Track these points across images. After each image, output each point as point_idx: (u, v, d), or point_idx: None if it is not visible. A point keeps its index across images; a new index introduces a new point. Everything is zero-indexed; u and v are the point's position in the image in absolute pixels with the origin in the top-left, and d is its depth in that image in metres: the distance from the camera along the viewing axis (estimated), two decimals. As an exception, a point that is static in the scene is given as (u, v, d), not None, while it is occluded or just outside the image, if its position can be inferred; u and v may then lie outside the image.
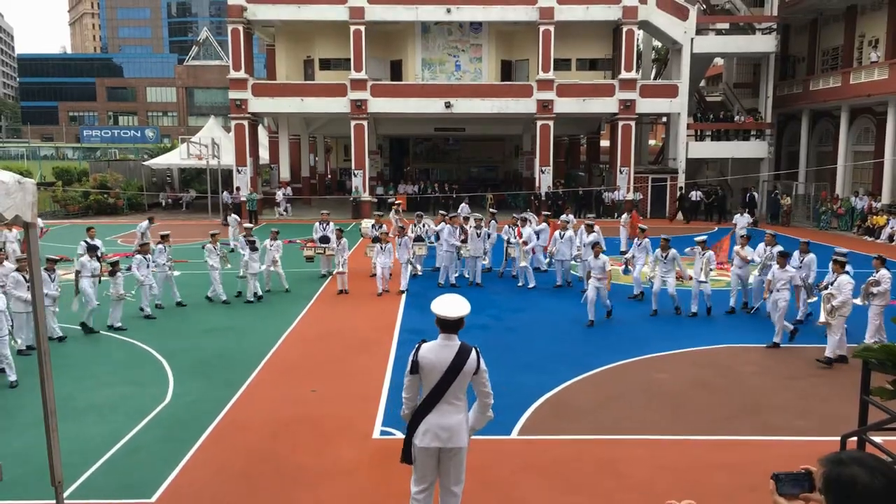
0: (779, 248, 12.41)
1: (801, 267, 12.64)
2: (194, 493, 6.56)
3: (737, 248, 13.94)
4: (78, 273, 12.20)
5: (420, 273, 17.34)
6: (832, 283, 10.40)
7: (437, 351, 4.94)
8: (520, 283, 16.28)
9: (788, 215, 29.24)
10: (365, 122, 31.62)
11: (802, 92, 31.59)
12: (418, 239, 17.05)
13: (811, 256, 12.66)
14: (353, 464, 7.10)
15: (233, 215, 23.52)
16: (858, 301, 11.08)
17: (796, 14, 32.19)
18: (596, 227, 16.16)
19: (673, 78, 32.00)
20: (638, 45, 35.35)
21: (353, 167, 32.34)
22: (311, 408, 8.66)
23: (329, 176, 44.45)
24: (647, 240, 14.65)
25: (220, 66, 74.58)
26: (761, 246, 13.49)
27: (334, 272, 16.36)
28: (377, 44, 32.39)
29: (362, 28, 30.76)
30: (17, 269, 10.98)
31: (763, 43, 32.03)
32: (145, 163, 38.65)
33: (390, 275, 15.85)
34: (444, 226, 16.58)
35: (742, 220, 21.59)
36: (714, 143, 32.87)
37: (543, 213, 21.21)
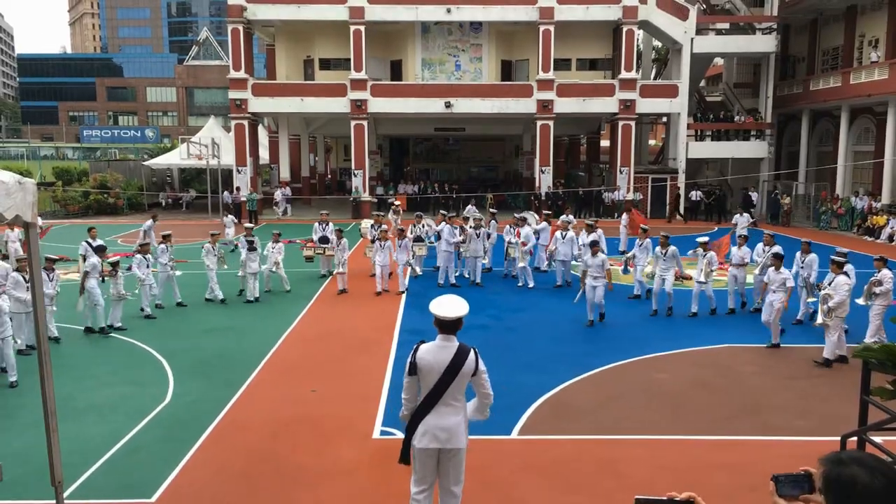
0: (777, 248, 12.39)
1: (803, 267, 12.63)
2: (194, 493, 6.56)
3: (734, 248, 13.96)
4: (87, 274, 12.16)
5: (420, 273, 17.34)
6: (830, 284, 10.40)
7: (435, 352, 4.93)
8: (520, 283, 16.28)
9: (788, 215, 29.24)
10: (365, 122, 31.62)
11: (802, 92, 31.59)
12: (418, 239, 17.05)
13: (812, 256, 12.65)
14: (353, 464, 7.10)
15: (229, 216, 23.18)
16: (861, 301, 11.08)
17: (796, 14, 32.19)
18: (599, 231, 16.13)
19: (673, 78, 32.00)
20: (638, 45, 35.36)
21: (353, 167, 32.34)
22: (311, 408, 8.66)
23: (329, 176, 44.46)
24: (648, 240, 14.65)
25: (220, 66, 74.59)
26: (760, 246, 13.49)
27: (334, 272, 16.37)
28: (377, 44, 32.39)
29: (362, 28, 30.76)
30: (17, 269, 10.98)
31: (763, 43, 32.03)
32: (145, 163, 38.65)
33: (390, 274, 15.85)
34: (445, 226, 16.59)
35: (742, 220, 21.58)
36: (714, 143, 32.88)
37: (544, 212, 21.20)
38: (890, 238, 24.16)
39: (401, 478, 6.11)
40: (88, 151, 68.65)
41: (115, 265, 12.72)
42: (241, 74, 31.08)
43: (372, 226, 17.64)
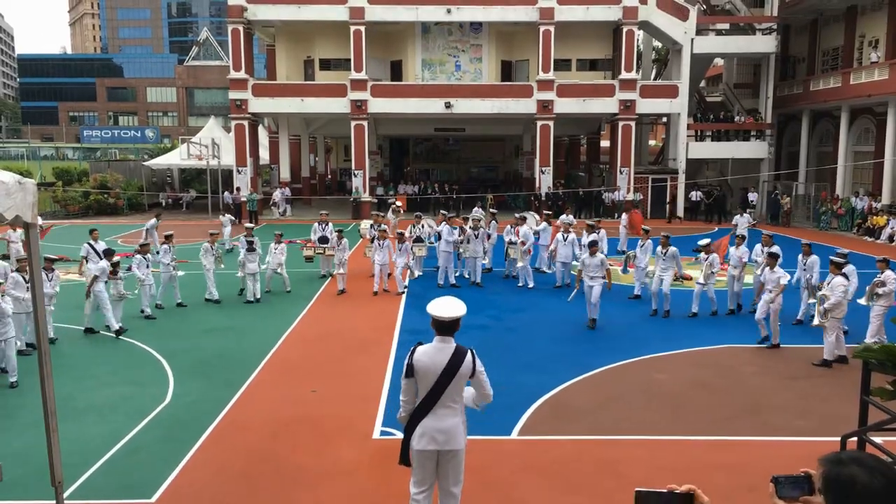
0: (774, 248, 12.38)
1: (805, 269, 12.61)
2: (194, 493, 6.56)
3: (731, 248, 13.95)
4: (96, 278, 12.15)
5: (420, 274, 17.34)
6: (828, 285, 10.40)
7: (432, 354, 4.92)
8: (520, 284, 16.29)
9: (788, 216, 29.24)
10: (365, 123, 31.62)
11: (802, 92, 31.59)
12: (417, 240, 17.05)
13: (814, 258, 12.59)
14: (353, 464, 7.10)
15: (226, 216, 22.84)
16: (863, 301, 11.07)
17: (796, 14, 32.19)
18: (602, 232, 16.07)
19: (673, 78, 32.00)
20: (638, 46, 35.35)
21: (353, 167, 32.34)
22: (311, 408, 8.66)
23: (329, 176, 44.46)
24: (649, 241, 14.65)
25: (220, 67, 74.62)
26: (758, 247, 13.48)
27: (333, 272, 16.37)
28: (377, 44, 32.39)
29: (362, 28, 30.77)
30: (17, 270, 10.99)
31: (763, 43, 32.04)
32: (145, 163, 38.66)
33: (389, 275, 15.85)
34: (444, 226, 16.60)
35: (742, 221, 21.58)
36: (714, 144, 32.88)
37: (544, 212, 21.19)
38: (890, 238, 24.16)
39: (401, 478, 6.11)
40: (88, 152, 68.64)
41: (115, 265, 12.73)
42: (242, 75, 31.09)
43: (371, 225, 17.65)
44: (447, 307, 4.92)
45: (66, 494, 5.94)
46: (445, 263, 16.32)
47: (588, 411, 8.59)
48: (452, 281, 16.32)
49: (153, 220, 18.53)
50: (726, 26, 34.23)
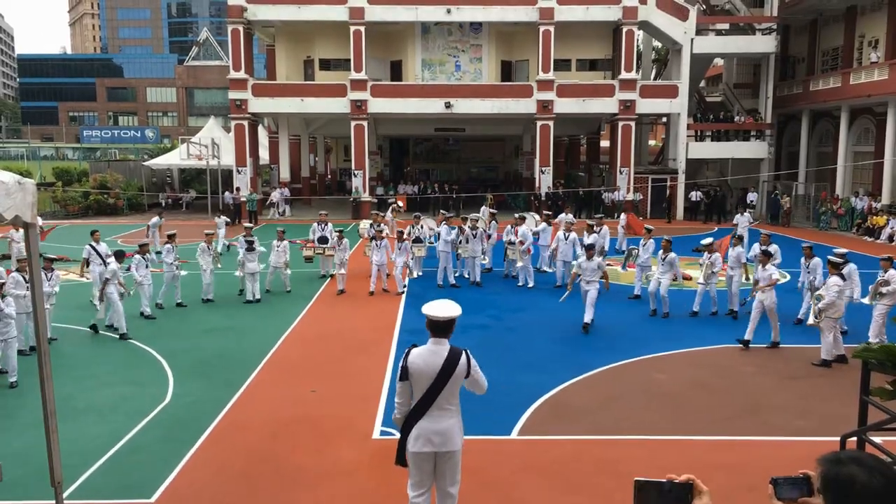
0: (772, 246, 12.37)
1: (808, 272, 12.57)
2: (194, 493, 6.56)
3: (731, 248, 13.95)
4: (107, 281, 12.13)
5: (420, 275, 17.33)
6: (824, 285, 10.40)
7: (426, 356, 4.90)
8: (520, 283, 16.29)
9: (788, 216, 29.24)
10: (365, 123, 31.62)
11: (802, 92, 31.59)
12: (417, 240, 17.04)
13: (816, 261, 12.52)
14: (352, 464, 7.10)
15: (222, 217, 22.56)
16: (867, 300, 11.07)
17: (796, 14, 32.18)
18: (603, 230, 16.00)
19: (673, 78, 31.99)
20: (638, 46, 35.34)
21: (353, 167, 32.33)
22: (311, 408, 8.66)
23: (329, 176, 44.45)
24: (651, 241, 14.65)
25: (220, 67, 74.58)
26: (756, 246, 13.49)
27: (333, 273, 16.36)
28: (377, 44, 32.39)
29: (362, 28, 30.76)
30: (17, 270, 10.99)
31: (763, 43, 32.03)
32: (145, 163, 38.64)
33: (388, 275, 15.85)
34: (443, 226, 16.60)
35: (743, 220, 21.58)
36: (714, 144, 32.87)
37: (544, 212, 21.19)
38: (890, 238, 24.16)
39: (400, 478, 6.11)
40: (88, 152, 68.65)
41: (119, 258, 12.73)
42: (241, 75, 31.08)
43: (371, 224, 17.65)
44: (442, 308, 4.92)
45: (65, 494, 5.94)
46: (444, 263, 16.32)
47: (588, 411, 8.59)
48: (452, 281, 16.32)
49: (156, 219, 18.52)
50: (726, 26, 34.23)
